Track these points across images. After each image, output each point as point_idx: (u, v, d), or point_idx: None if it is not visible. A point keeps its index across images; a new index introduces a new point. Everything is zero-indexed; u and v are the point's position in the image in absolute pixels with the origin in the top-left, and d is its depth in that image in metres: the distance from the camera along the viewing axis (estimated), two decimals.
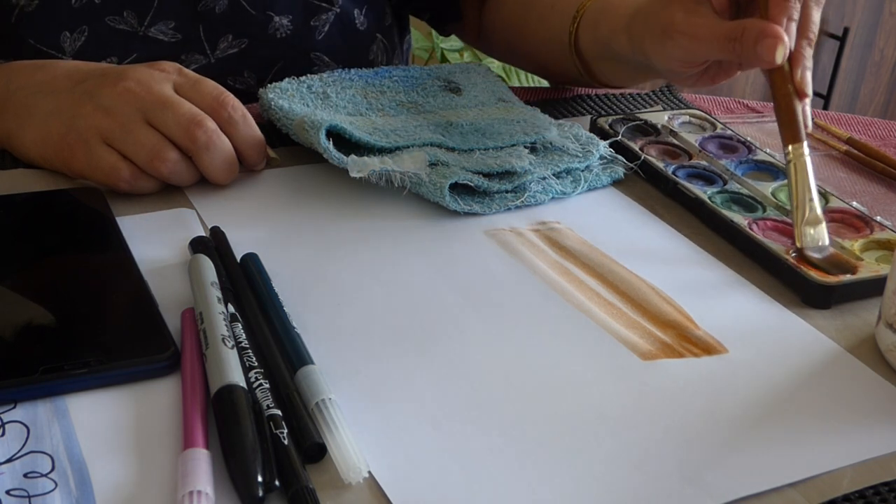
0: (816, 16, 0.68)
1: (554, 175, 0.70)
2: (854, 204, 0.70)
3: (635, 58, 0.76)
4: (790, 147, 0.64)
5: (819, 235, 0.63)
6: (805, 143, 0.64)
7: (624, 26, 0.76)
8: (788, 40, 0.66)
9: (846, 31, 2.23)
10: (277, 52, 0.86)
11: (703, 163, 0.74)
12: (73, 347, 0.49)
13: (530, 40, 0.90)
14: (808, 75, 0.67)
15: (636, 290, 0.60)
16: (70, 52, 0.79)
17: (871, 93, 2.41)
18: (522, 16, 0.90)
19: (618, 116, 0.81)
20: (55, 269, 0.57)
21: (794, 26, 0.67)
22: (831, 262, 0.62)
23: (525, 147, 0.72)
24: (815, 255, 0.62)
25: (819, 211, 0.63)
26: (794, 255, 0.62)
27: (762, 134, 0.84)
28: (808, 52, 0.68)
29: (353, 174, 0.64)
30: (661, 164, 0.73)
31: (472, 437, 0.47)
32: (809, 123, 0.66)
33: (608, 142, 0.74)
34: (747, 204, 0.69)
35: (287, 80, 0.76)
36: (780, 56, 0.65)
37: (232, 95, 0.66)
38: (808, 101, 0.67)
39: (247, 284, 0.56)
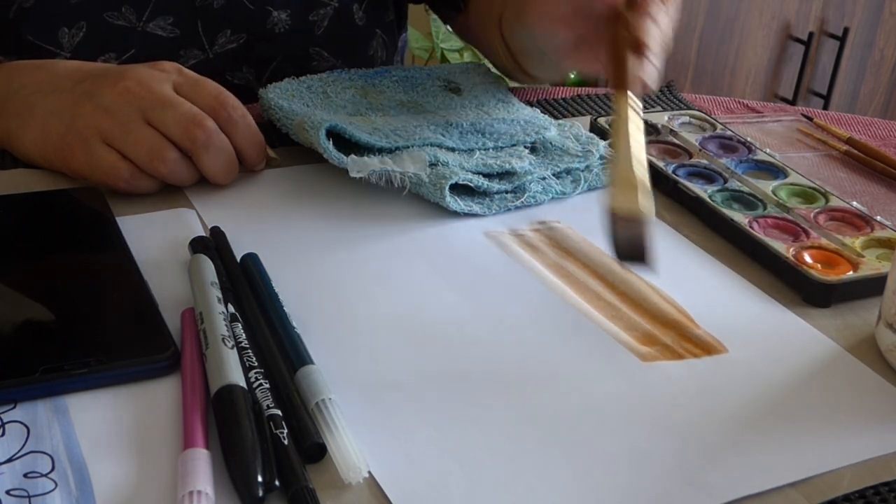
0: None
1: (554, 175, 0.70)
2: (854, 204, 0.69)
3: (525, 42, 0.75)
4: (613, 95, 0.61)
5: (631, 204, 0.55)
6: (629, 94, 0.60)
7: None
8: None
9: (846, 31, 2.22)
10: (276, 47, 0.86)
11: (704, 161, 0.74)
12: (73, 347, 0.49)
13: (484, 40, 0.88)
14: (650, 26, 0.62)
15: (636, 289, 0.60)
16: (68, 48, 0.79)
17: (871, 93, 2.41)
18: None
19: None
20: (55, 269, 0.57)
21: None
22: (630, 242, 0.55)
23: (525, 147, 0.72)
24: (624, 228, 0.55)
25: (642, 176, 0.55)
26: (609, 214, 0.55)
27: (762, 134, 0.84)
28: (658, 6, 0.64)
29: (353, 174, 0.64)
30: (661, 163, 0.73)
31: (472, 437, 0.47)
32: (650, 81, 0.61)
33: (608, 141, 0.74)
34: (748, 202, 0.69)
35: (287, 79, 0.76)
36: None
37: (232, 95, 0.66)
38: (651, 55, 0.62)
39: (247, 284, 0.56)
